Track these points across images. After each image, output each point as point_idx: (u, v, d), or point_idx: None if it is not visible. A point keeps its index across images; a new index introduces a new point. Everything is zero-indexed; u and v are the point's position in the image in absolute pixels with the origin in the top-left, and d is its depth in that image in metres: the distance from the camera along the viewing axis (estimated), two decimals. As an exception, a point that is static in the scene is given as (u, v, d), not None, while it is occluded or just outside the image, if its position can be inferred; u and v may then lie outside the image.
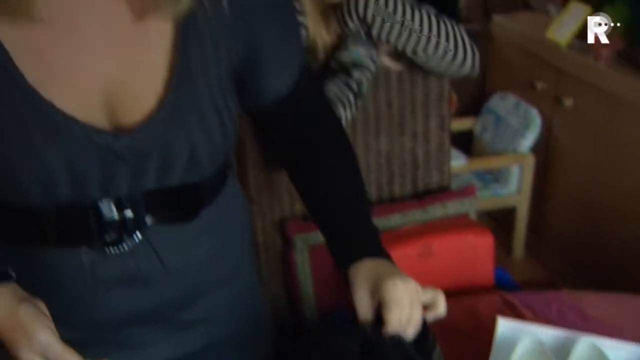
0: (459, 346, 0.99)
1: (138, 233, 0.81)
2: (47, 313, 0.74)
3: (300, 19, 1.17)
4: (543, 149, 2.47)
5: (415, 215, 1.42)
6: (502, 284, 1.43)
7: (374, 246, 0.88)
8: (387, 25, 1.21)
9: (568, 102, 2.28)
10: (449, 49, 1.25)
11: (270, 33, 0.84)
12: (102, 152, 0.76)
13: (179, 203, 0.84)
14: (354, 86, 1.23)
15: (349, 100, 1.22)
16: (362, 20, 1.21)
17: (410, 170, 1.46)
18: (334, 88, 1.22)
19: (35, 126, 0.73)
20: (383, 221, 1.40)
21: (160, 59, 0.77)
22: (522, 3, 2.80)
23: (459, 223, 1.40)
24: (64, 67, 0.74)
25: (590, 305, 1.15)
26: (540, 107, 2.43)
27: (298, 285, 1.39)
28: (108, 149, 0.76)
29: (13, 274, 0.77)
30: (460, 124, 2.64)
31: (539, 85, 2.41)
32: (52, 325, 0.73)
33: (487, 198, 2.48)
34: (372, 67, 1.25)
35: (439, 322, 0.84)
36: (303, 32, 1.16)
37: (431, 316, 0.84)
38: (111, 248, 0.81)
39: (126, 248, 0.81)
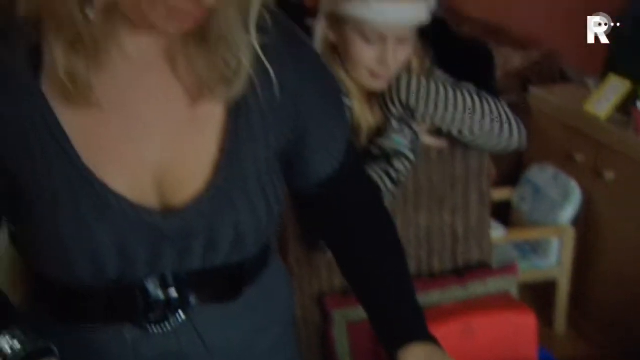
0: None
1: (181, 312, 0.82)
2: None
3: (346, 100, 1.19)
4: (583, 221, 2.43)
5: (455, 292, 1.40)
6: (545, 364, 1.38)
7: (420, 328, 0.88)
8: (431, 109, 1.23)
9: (609, 175, 2.26)
10: (495, 128, 1.25)
11: (319, 116, 0.86)
12: (151, 232, 0.78)
13: (223, 283, 0.84)
14: (393, 174, 1.24)
15: (387, 188, 1.23)
16: (405, 106, 1.23)
17: (450, 245, 1.45)
18: (373, 174, 1.23)
19: (88, 205, 0.75)
20: (422, 297, 1.36)
21: (211, 141, 0.80)
22: (559, 75, 2.82)
23: (500, 301, 1.37)
24: (118, 149, 0.76)
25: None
26: (579, 179, 2.41)
27: (336, 361, 1.37)
28: (156, 229, 0.78)
29: (55, 349, 0.78)
30: (498, 194, 2.62)
31: (578, 157, 2.40)
32: None
33: (527, 270, 2.43)
34: (413, 158, 1.26)
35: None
36: (348, 113, 1.19)
37: None
38: (154, 327, 0.81)
39: (169, 327, 0.82)
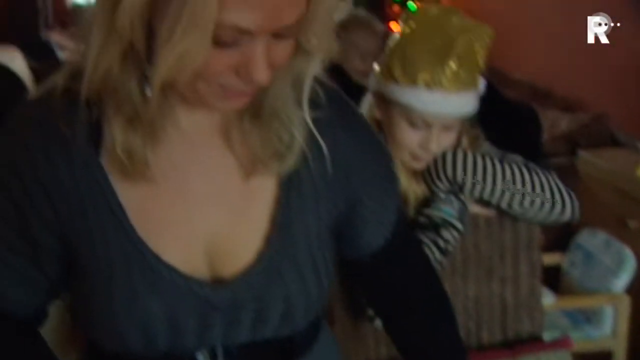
0: None
1: (231, 384, 0.81)
2: None
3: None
4: (638, 289, 2.34)
5: (506, 366, 1.35)
6: None
7: None
8: (479, 184, 1.21)
9: (664, 242, 2.19)
10: (546, 201, 1.22)
11: (371, 188, 0.87)
12: (201, 303, 0.78)
13: (273, 356, 0.84)
14: (442, 244, 1.22)
15: (435, 258, 1.22)
16: (452, 181, 1.22)
17: (499, 317, 1.41)
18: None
19: (140, 276, 0.76)
20: (471, 369, 1.34)
21: (262, 213, 0.81)
22: (609, 138, 2.78)
23: (553, 377, 1.32)
24: (172, 221, 0.78)
25: None
26: (633, 245, 2.33)
27: None
28: (206, 300, 0.78)
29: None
30: (547, 259, 2.55)
31: (632, 223, 2.33)
32: None
33: (579, 340, 2.34)
34: (461, 228, 1.25)
35: None
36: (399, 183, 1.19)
37: None
38: None
39: (217, 399, 0.81)
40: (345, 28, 2.00)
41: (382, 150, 0.90)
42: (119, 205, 0.76)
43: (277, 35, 0.68)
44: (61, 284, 0.81)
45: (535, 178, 1.22)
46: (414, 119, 1.17)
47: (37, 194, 0.74)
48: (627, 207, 2.36)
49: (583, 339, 2.36)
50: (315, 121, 0.78)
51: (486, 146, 1.29)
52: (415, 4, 4.08)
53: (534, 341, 1.39)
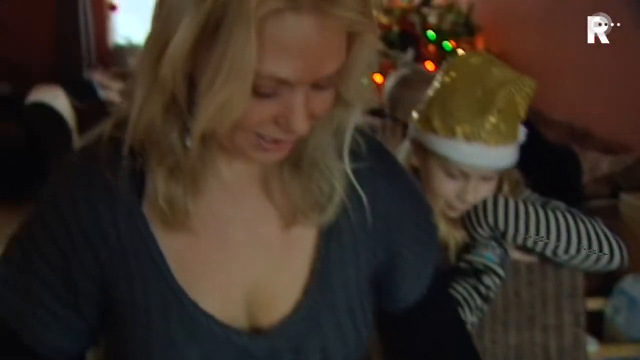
0: None
1: None
2: None
3: None
4: (686, 338, 2.25)
5: (549, 419, 1.30)
6: None
7: None
8: (522, 231, 1.19)
9: None
10: (593, 250, 1.19)
11: (410, 239, 0.86)
12: (239, 353, 0.78)
13: None
14: (483, 291, 1.19)
15: (476, 305, 1.19)
16: (494, 228, 1.20)
17: (542, 367, 1.37)
18: (461, 290, 1.19)
19: (178, 324, 0.76)
20: (513, 422, 1.29)
21: (301, 263, 0.80)
22: (653, 181, 2.71)
23: None
24: (211, 271, 0.78)
25: None
26: (680, 292, 2.25)
27: None
28: (244, 349, 0.78)
29: None
30: (590, 304, 2.48)
31: (678, 269, 2.25)
32: None
33: (625, 390, 2.25)
34: (503, 274, 1.22)
35: None
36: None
37: None
38: None
39: None
40: (409, 85, 1.99)
41: (422, 201, 0.90)
42: (160, 253, 0.76)
43: (317, 85, 0.68)
44: (100, 329, 0.81)
45: (581, 225, 1.19)
46: (451, 169, 1.16)
47: (80, 241, 0.75)
48: (673, 252, 2.29)
49: (629, 390, 2.27)
50: (355, 172, 0.78)
51: (528, 193, 1.27)
52: (450, 43, 4.09)
53: (579, 394, 1.34)
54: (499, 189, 1.23)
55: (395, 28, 4.07)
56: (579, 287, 1.36)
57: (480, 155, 1.13)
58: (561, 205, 1.24)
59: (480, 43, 4.18)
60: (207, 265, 0.78)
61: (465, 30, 4.09)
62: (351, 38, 0.68)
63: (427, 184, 1.20)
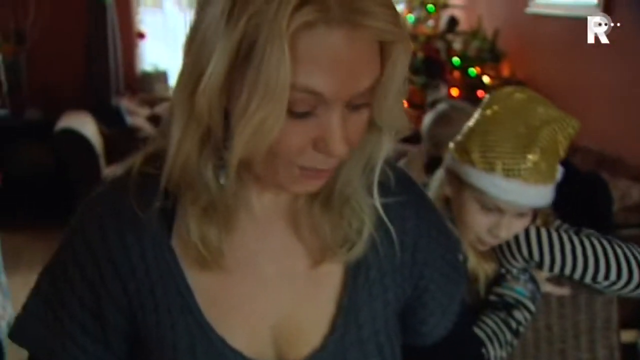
0: None
1: None
2: None
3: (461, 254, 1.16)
4: None
5: None
6: None
7: None
8: (558, 260, 1.16)
9: None
10: (634, 273, 1.15)
11: (438, 275, 0.84)
12: (266, 387, 0.77)
13: None
14: (513, 325, 1.17)
15: (506, 340, 1.16)
16: (529, 260, 1.18)
17: (575, 403, 1.33)
18: (491, 324, 1.17)
19: (205, 358, 0.75)
20: None
21: (329, 298, 0.79)
22: (685, 209, 2.65)
23: None
24: (239, 307, 0.78)
25: None
26: None
27: None
28: (272, 384, 0.77)
29: None
30: (623, 336, 2.41)
31: None
32: None
33: None
34: (533, 308, 1.20)
35: None
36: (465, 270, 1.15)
37: None
38: None
39: None
40: (448, 122, 1.94)
41: (450, 237, 0.88)
42: (188, 287, 0.76)
43: (352, 105, 0.67)
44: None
45: (618, 250, 1.16)
46: (487, 203, 1.13)
47: (108, 273, 0.75)
48: None
49: None
50: (384, 206, 0.77)
51: (558, 222, 1.25)
52: (475, 70, 4.07)
53: None
54: (532, 221, 1.20)
55: (420, 54, 4.07)
56: (613, 319, 1.32)
57: (518, 192, 1.10)
58: (594, 232, 1.21)
59: (505, 69, 4.15)
60: (235, 299, 0.77)
61: (490, 56, 4.07)
62: (385, 53, 0.67)
63: (459, 215, 1.17)
